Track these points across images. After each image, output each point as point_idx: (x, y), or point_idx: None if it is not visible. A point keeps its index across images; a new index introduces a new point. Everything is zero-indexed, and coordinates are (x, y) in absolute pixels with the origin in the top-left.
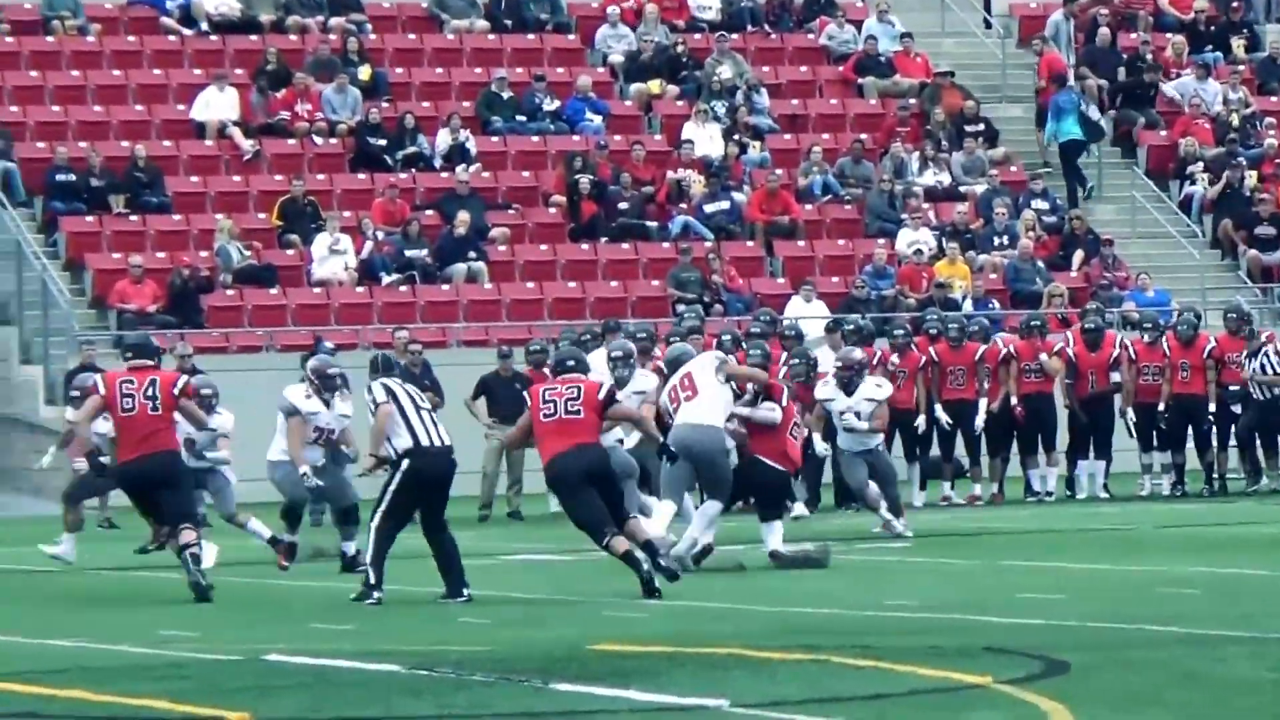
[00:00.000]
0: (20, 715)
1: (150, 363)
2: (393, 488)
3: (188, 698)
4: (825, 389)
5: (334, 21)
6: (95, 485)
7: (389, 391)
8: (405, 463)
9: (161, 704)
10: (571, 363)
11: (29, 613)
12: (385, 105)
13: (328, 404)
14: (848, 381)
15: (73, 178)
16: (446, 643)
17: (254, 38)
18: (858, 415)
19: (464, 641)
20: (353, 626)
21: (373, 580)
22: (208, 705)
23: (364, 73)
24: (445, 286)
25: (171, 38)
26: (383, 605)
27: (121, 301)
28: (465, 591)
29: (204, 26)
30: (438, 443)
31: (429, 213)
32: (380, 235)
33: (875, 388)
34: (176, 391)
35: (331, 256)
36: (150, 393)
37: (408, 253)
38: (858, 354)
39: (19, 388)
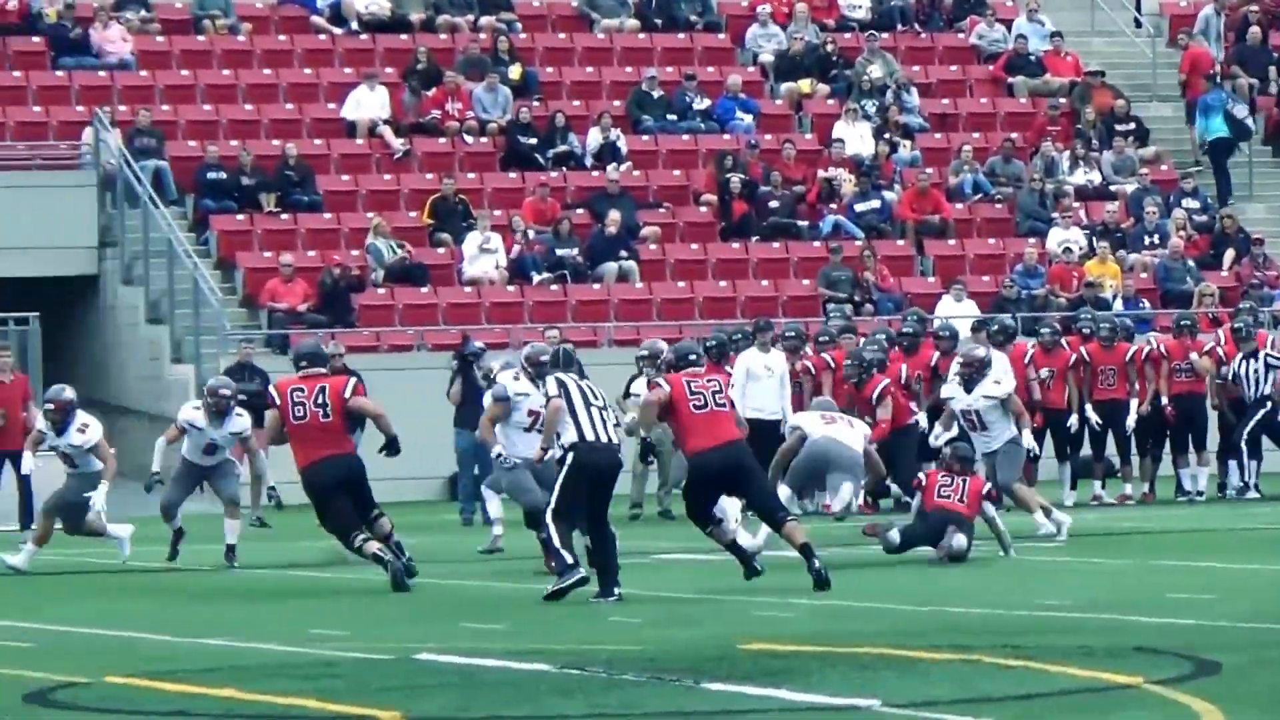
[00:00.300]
0: (170, 714)
1: (322, 370)
2: (559, 483)
3: (338, 696)
4: (949, 387)
5: (484, 20)
6: (74, 506)
7: (561, 386)
8: (570, 456)
9: (311, 703)
10: (693, 356)
11: (179, 611)
12: (536, 104)
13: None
14: (969, 379)
15: (224, 176)
16: (597, 642)
17: (404, 37)
18: (978, 414)
19: (615, 641)
20: (503, 625)
21: (570, 561)
22: (358, 704)
23: (514, 72)
24: (596, 285)
25: (322, 37)
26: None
27: (272, 300)
28: (616, 591)
29: (354, 25)
30: (603, 439)
31: (580, 211)
32: (531, 234)
33: (994, 385)
34: (347, 394)
35: (482, 255)
36: (320, 400)
37: (558, 251)
38: (980, 352)
39: (170, 387)
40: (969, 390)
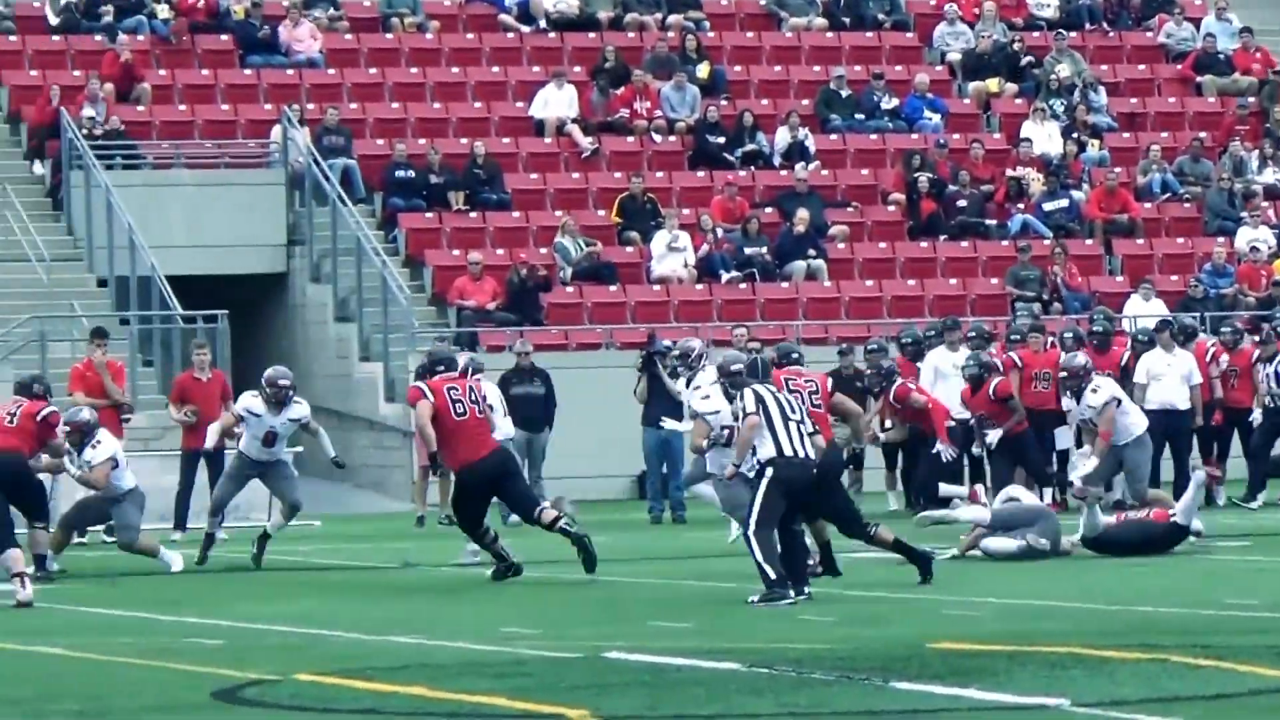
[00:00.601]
0: (360, 712)
1: (456, 373)
2: (759, 499)
3: (528, 695)
4: (1066, 400)
5: (672, 19)
6: (93, 515)
7: (759, 401)
8: (769, 472)
9: (501, 701)
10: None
11: (370, 609)
12: (724, 103)
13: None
14: (1075, 389)
15: (412, 175)
16: (787, 640)
17: (592, 35)
18: (1092, 424)
19: (804, 639)
20: (692, 624)
21: (773, 577)
22: (547, 702)
23: (703, 70)
24: (784, 284)
25: (510, 35)
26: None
27: (460, 298)
28: (806, 590)
29: (542, 24)
30: (801, 453)
31: (768, 210)
32: (719, 232)
33: (1092, 394)
34: (484, 393)
35: (670, 254)
36: (474, 397)
37: (747, 250)
38: (1079, 360)
39: (358, 385)
40: (1078, 400)
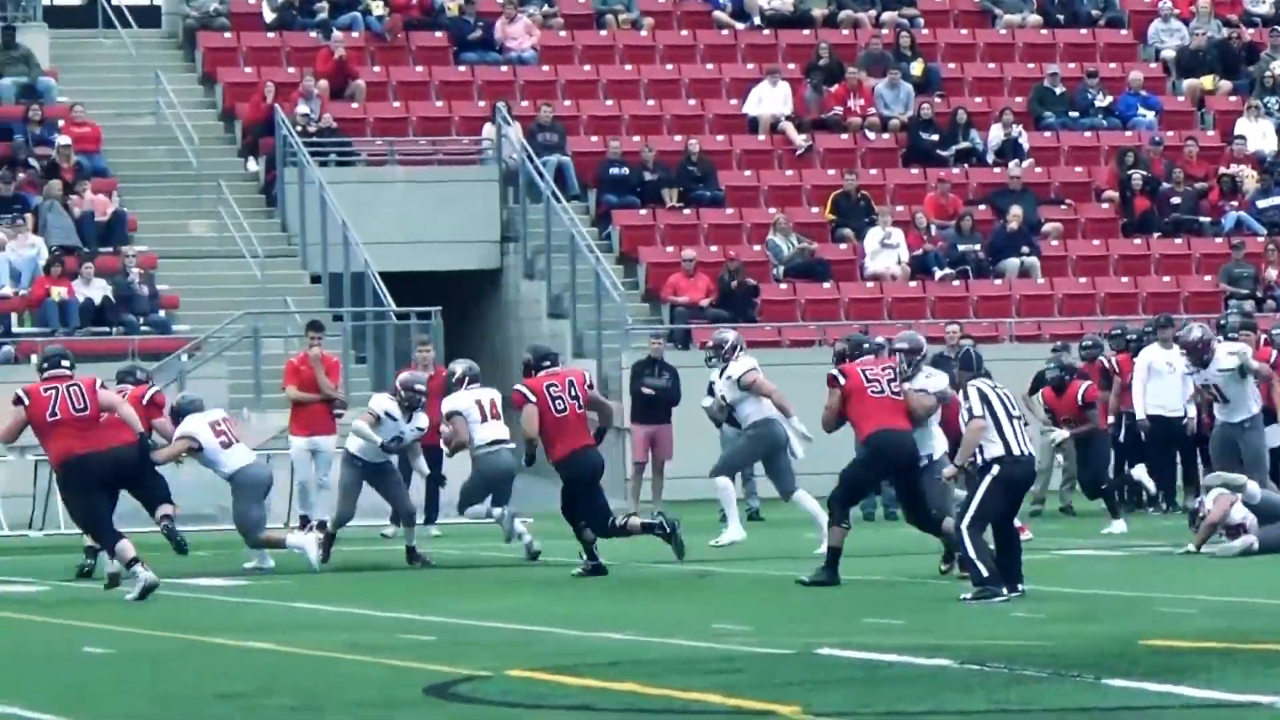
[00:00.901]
0: (574, 708)
1: (558, 368)
2: (980, 494)
3: (740, 691)
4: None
5: (886, 16)
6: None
7: (984, 401)
8: (995, 469)
9: (713, 698)
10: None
11: (580, 606)
12: (937, 100)
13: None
14: (1197, 360)
15: (626, 172)
16: (998, 637)
17: (806, 32)
18: (1217, 388)
19: (1016, 636)
20: (903, 621)
21: (985, 574)
22: (759, 699)
23: (916, 68)
24: (998, 281)
25: (724, 32)
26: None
27: (674, 295)
28: (1019, 586)
29: (756, 21)
30: (1025, 451)
31: (981, 207)
32: (933, 229)
33: (1228, 356)
34: (587, 385)
35: (884, 251)
36: (573, 393)
37: (960, 247)
38: (1195, 334)
39: None
40: (1205, 366)
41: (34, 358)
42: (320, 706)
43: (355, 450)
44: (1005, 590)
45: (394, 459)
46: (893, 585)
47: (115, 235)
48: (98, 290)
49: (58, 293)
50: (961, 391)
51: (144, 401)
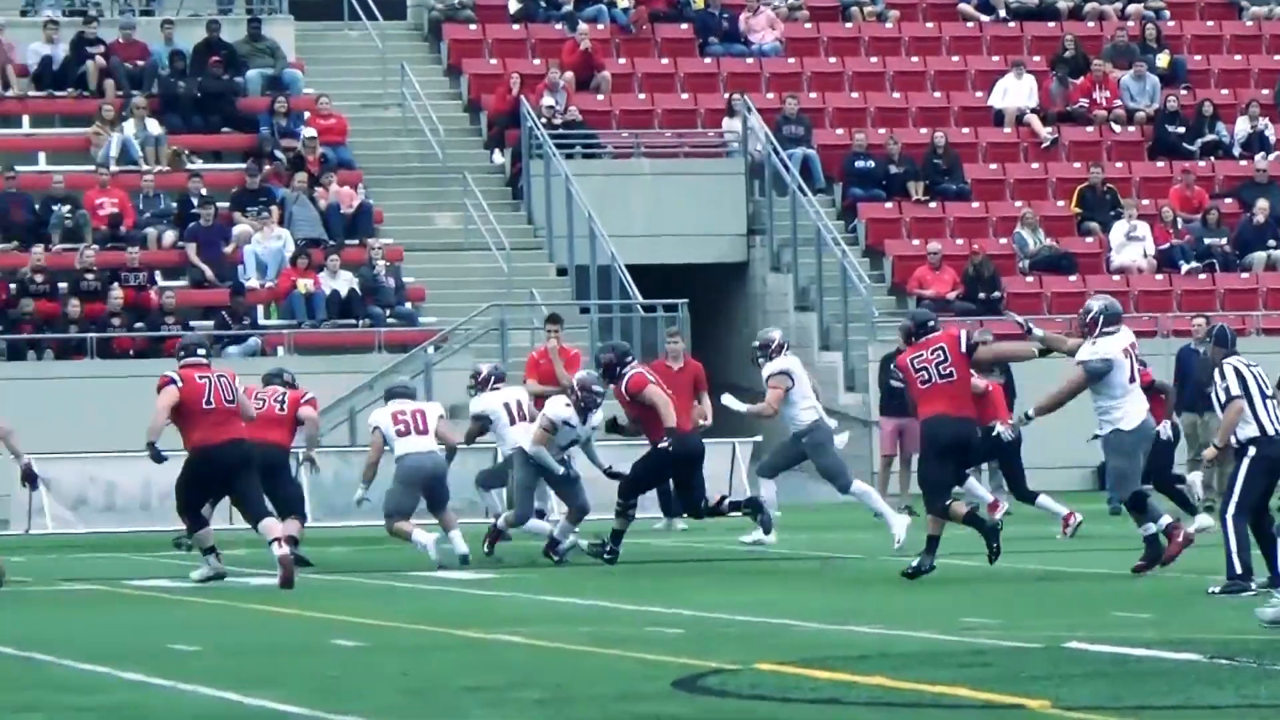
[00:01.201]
0: (822, 701)
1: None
2: (1241, 479)
3: (988, 685)
4: None
5: (1131, 8)
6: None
7: (1242, 381)
8: (1251, 450)
9: (961, 691)
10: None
11: (830, 598)
12: (1184, 93)
13: None
14: None
15: (871, 165)
16: (1248, 632)
17: (1051, 24)
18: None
19: (1265, 630)
20: (1152, 615)
21: (1239, 570)
22: (1008, 693)
23: (1163, 60)
24: (1244, 275)
25: (969, 24)
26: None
27: (920, 288)
28: None
29: (1002, 13)
30: (1279, 430)
31: (1228, 200)
32: (1179, 223)
33: None
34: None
35: (1129, 244)
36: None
37: (1207, 240)
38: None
39: (819, 374)
40: None
41: (176, 348)
42: (568, 700)
43: (529, 449)
44: (1254, 584)
45: (569, 454)
46: (1140, 579)
47: (361, 227)
48: (344, 282)
49: (304, 285)
50: (1218, 370)
51: (302, 402)
